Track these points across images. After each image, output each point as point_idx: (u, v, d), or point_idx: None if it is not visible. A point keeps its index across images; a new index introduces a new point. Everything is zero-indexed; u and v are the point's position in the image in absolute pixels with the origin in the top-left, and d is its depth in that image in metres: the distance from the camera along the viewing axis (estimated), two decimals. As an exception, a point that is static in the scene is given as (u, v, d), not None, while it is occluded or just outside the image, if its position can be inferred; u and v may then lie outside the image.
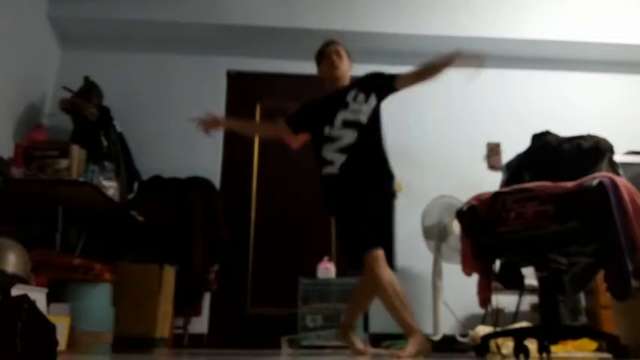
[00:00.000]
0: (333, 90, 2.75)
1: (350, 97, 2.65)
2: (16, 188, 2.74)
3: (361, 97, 2.64)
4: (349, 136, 2.57)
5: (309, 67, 4.19)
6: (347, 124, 2.59)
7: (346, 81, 2.77)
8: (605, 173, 1.99)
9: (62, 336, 2.24)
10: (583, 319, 3.31)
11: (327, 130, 2.60)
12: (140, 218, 3.17)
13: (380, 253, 2.39)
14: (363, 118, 2.60)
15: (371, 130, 2.62)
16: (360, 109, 2.61)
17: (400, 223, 3.70)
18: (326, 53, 2.79)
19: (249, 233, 3.96)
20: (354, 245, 2.46)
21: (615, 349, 1.92)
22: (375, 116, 2.65)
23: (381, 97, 2.68)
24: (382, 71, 2.74)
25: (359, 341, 2.76)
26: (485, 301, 2.23)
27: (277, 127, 2.86)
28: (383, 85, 2.69)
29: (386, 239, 2.56)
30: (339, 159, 2.55)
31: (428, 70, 2.67)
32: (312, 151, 2.68)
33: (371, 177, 2.58)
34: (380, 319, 3.74)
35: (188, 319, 3.54)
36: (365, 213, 2.47)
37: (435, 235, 3.51)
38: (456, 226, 3.43)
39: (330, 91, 2.76)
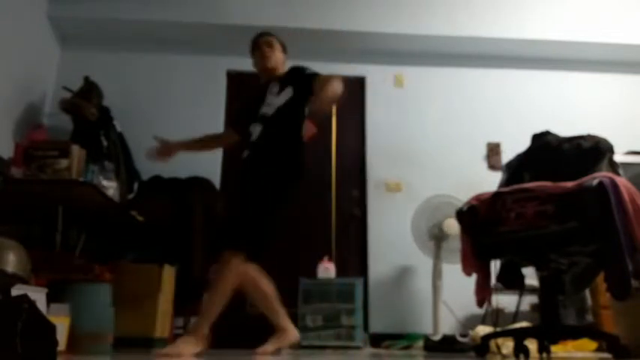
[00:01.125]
0: (265, 82, 2.71)
1: (269, 90, 2.62)
2: (16, 188, 2.73)
3: (275, 89, 2.59)
4: (256, 131, 2.54)
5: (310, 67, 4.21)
6: (260, 119, 2.56)
7: (281, 70, 2.70)
8: (605, 173, 1.99)
9: (62, 336, 2.24)
10: (589, 318, 3.31)
11: (251, 127, 2.59)
12: (140, 218, 3.17)
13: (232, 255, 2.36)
14: (269, 111, 2.54)
15: (275, 124, 2.52)
16: (272, 102, 2.56)
17: (400, 223, 3.72)
18: (257, 45, 2.73)
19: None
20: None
21: (615, 349, 1.92)
22: (285, 110, 2.53)
23: (298, 93, 2.54)
24: (305, 68, 2.61)
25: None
26: (482, 301, 2.23)
27: (228, 135, 2.87)
28: (301, 81, 2.55)
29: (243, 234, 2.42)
30: (245, 155, 2.56)
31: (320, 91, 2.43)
32: None
33: (256, 171, 2.49)
34: (380, 319, 3.75)
35: (188, 319, 3.53)
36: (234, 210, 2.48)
37: (422, 235, 3.53)
38: (448, 226, 3.44)
39: (262, 83, 2.72)
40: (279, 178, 2.47)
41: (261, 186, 2.44)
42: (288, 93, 2.55)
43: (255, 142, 2.53)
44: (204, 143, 2.97)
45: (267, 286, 2.53)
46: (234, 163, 4.12)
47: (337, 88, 2.40)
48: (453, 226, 3.40)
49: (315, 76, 2.52)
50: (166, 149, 2.78)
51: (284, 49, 2.79)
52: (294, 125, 2.48)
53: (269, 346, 2.48)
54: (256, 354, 2.34)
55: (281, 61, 2.74)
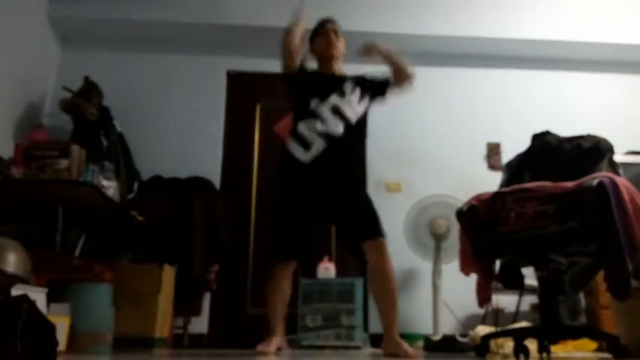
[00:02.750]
0: (328, 71, 2.64)
1: (347, 87, 2.55)
2: (16, 188, 2.73)
3: (357, 93, 2.55)
4: (336, 126, 2.44)
5: (310, 67, 4.21)
6: (337, 111, 2.47)
7: (340, 64, 2.66)
8: (605, 173, 1.99)
9: (62, 336, 2.23)
10: (583, 319, 3.31)
11: (314, 104, 2.48)
12: (140, 218, 3.17)
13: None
14: (353, 116, 2.50)
15: (356, 131, 2.54)
16: (352, 105, 2.51)
17: (400, 224, 3.72)
18: (324, 30, 2.67)
19: (249, 233, 3.96)
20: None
21: (615, 349, 1.92)
22: (364, 119, 2.58)
23: (372, 101, 2.63)
24: (379, 76, 2.66)
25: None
26: (484, 300, 2.23)
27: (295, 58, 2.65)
28: (378, 90, 2.63)
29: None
30: (319, 144, 2.42)
31: (394, 73, 2.64)
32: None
33: (345, 179, 2.47)
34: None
35: (188, 319, 3.54)
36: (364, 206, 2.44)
37: (417, 236, 3.54)
38: (439, 225, 3.46)
39: (322, 70, 2.67)
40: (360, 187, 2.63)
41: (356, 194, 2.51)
42: (365, 102, 2.57)
43: (339, 139, 2.44)
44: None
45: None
46: (234, 163, 4.14)
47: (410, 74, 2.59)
48: (441, 225, 3.43)
49: (389, 82, 2.63)
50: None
51: (345, 40, 2.74)
52: (364, 136, 2.70)
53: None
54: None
55: (342, 54, 2.69)
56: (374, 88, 2.63)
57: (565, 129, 2.59)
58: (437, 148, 4.15)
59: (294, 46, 2.61)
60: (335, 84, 2.55)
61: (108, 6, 3.95)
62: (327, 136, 2.42)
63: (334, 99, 2.49)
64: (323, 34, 2.66)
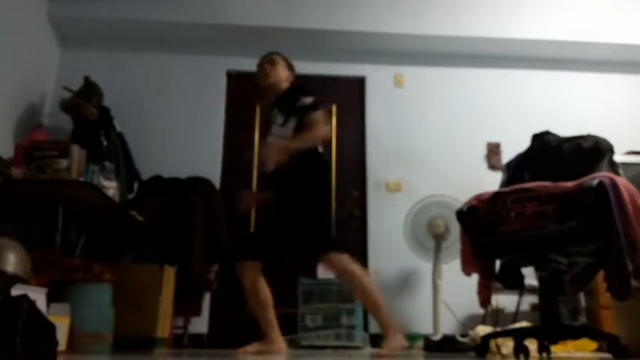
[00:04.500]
0: (272, 99, 2.79)
1: (273, 119, 2.70)
2: (16, 188, 2.73)
3: (280, 120, 2.64)
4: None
5: (309, 67, 4.22)
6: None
7: (283, 86, 2.77)
8: (605, 173, 1.99)
9: (62, 336, 2.23)
10: (583, 319, 3.31)
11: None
12: (140, 218, 3.17)
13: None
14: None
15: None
16: (278, 133, 2.62)
17: (400, 223, 3.72)
18: (260, 64, 2.82)
19: (249, 233, 3.96)
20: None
21: (615, 349, 1.92)
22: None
23: (300, 125, 2.60)
24: (303, 94, 2.64)
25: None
26: (485, 301, 2.23)
27: None
28: (300, 114, 2.61)
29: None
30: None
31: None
32: None
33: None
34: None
35: (188, 319, 3.54)
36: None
37: (416, 236, 3.55)
38: (437, 225, 3.46)
39: (271, 102, 2.80)
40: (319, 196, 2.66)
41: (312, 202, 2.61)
42: (291, 124, 2.59)
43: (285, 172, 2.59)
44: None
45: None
46: (234, 163, 4.14)
47: (321, 133, 2.56)
48: (439, 225, 3.43)
49: (309, 111, 2.58)
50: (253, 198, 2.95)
51: (289, 67, 2.84)
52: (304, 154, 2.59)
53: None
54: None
55: (284, 77, 2.78)
56: (299, 113, 2.63)
57: (565, 129, 2.60)
58: (437, 148, 4.16)
59: None
60: (270, 115, 2.76)
61: (108, 6, 3.95)
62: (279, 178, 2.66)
63: (273, 131, 2.68)
64: (260, 69, 2.82)
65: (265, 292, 2.57)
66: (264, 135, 2.76)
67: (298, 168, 2.56)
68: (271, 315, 2.56)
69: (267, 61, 2.79)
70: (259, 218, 4.01)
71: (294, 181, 2.59)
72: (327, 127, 2.64)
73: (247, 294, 2.58)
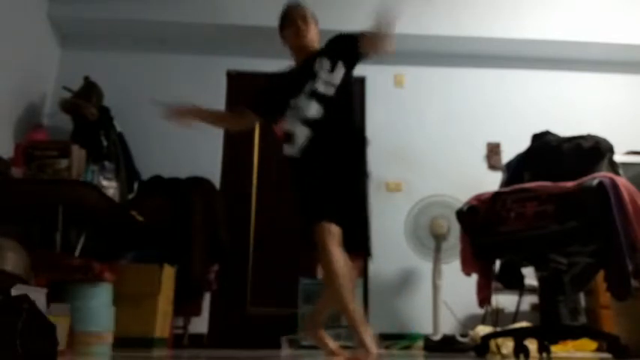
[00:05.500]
0: (300, 61, 2.43)
1: (318, 65, 2.32)
2: (16, 188, 2.73)
3: (327, 65, 2.30)
4: (314, 110, 2.24)
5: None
6: (312, 94, 2.27)
7: (314, 46, 2.42)
8: (605, 173, 1.99)
9: (62, 336, 2.23)
10: (583, 319, 3.31)
11: (292, 102, 2.29)
12: (140, 218, 3.17)
13: (332, 227, 2.04)
14: (329, 91, 2.27)
15: (340, 107, 2.29)
16: (328, 79, 2.28)
17: (400, 223, 3.72)
18: (291, 18, 2.45)
19: (249, 233, 3.96)
20: (308, 218, 2.13)
21: (615, 349, 1.92)
22: (345, 90, 2.31)
23: (349, 64, 2.34)
24: (347, 32, 2.37)
25: (331, 340, 2.35)
26: (484, 300, 2.23)
27: (244, 117, 2.53)
28: (348, 49, 2.33)
29: (355, 221, 2.22)
30: (302, 133, 2.23)
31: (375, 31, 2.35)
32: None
33: (340, 156, 2.25)
34: (380, 319, 3.75)
35: (188, 319, 3.54)
36: (327, 187, 2.16)
37: (416, 236, 3.55)
38: (439, 225, 3.46)
39: (297, 63, 2.45)
40: (363, 161, 2.37)
41: (356, 167, 2.33)
42: (341, 69, 2.29)
43: (319, 121, 2.23)
44: (219, 118, 2.80)
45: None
46: (234, 163, 4.14)
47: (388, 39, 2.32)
48: (442, 225, 3.42)
49: (358, 36, 2.32)
50: (181, 112, 2.50)
51: (316, 21, 2.51)
52: (354, 105, 2.36)
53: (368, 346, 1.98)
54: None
55: (317, 37, 2.45)
56: (344, 50, 2.36)
57: (565, 129, 2.59)
58: (437, 148, 4.15)
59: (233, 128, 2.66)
60: (305, 72, 2.35)
61: (108, 6, 3.95)
62: (308, 122, 2.24)
63: (308, 86, 2.29)
64: (290, 24, 2.45)
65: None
66: (294, 90, 2.29)
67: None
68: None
69: (300, 16, 2.42)
70: (259, 217, 4.01)
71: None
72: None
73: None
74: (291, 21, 2.44)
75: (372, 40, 2.30)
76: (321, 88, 2.28)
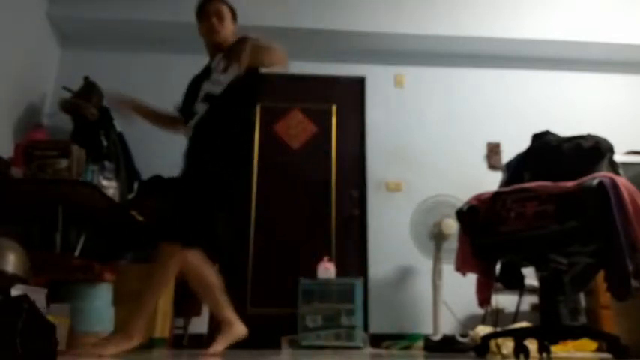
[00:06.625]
0: (212, 58, 2.45)
1: (214, 64, 2.35)
2: (16, 188, 2.73)
3: (221, 65, 2.29)
4: (201, 110, 2.31)
5: (309, 67, 4.22)
6: (205, 97, 2.32)
7: (226, 45, 2.37)
8: (605, 173, 1.99)
9: (62, 336, 2.24)
10: (583, 319, 3.31)
11: (195, 106, 2.35)
12: (140, 218, 3.17)
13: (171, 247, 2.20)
14: (217, 90, 2.29)
15: (222, 104, 2.28)
16: (218, 79, 2.29)
17: (400, 223, 3.72)
18: (206, 12, 2.42)
19: (249, 233, 3.96)
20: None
21: (615, 349, 1.92)
22: (234, 88, 2.29)
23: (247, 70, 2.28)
24: (249, 38, 2.29)
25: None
26: (484, 301, 2.23)
27: (179, 123, 2.56)
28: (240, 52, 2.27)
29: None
30: (188, 133, 2.35)
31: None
32: None
33: (198, 152, 2.31)
34: (380, 319, 3.75)
35: (188, 319, 3.54)
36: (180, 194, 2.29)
37: (421, 235, 3.53)
38: (447, 226, 3.44)
39: (210, 59, 2.47)
40: (221, 160, 2.26)
41: (200, 168, 2.29)
42: (235, 71, 2.23)
43: (199, 122, 2.30)
44: (157, 117, 2.69)
45: (211, 275, 2.39)
46: (234, 163, 4.13)
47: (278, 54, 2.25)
48: (451, 226, 3.41)
49: (244, 41, 2.24)
50: (122, 103, 2.51)
51: (234, 17, 2.51)
52: (244, 105, 2.33)
53: (218, 345, 2.37)
54: (207, 355, 2.24)
55: (231, 33, 2.44)
56: (237, 52, 2.27)
57: (565, 129, 2.59)
58: (437, 148, 4.16)
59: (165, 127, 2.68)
60: (205, 71, 2.40)
61: (108, 6, 3.95)
62: (195, 125, 2.33)
63: (207, 88, 2.34)
64: (204, 18, 2.43)
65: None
66: (196, 92, 2.37)
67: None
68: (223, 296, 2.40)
69: (215, 12, 2.41)
70: (259, 217, 4.01)
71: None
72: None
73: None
74: (206, 16, 2.42)
75: (254, 52, 2.21)
76: (208, 86, 2.32)
